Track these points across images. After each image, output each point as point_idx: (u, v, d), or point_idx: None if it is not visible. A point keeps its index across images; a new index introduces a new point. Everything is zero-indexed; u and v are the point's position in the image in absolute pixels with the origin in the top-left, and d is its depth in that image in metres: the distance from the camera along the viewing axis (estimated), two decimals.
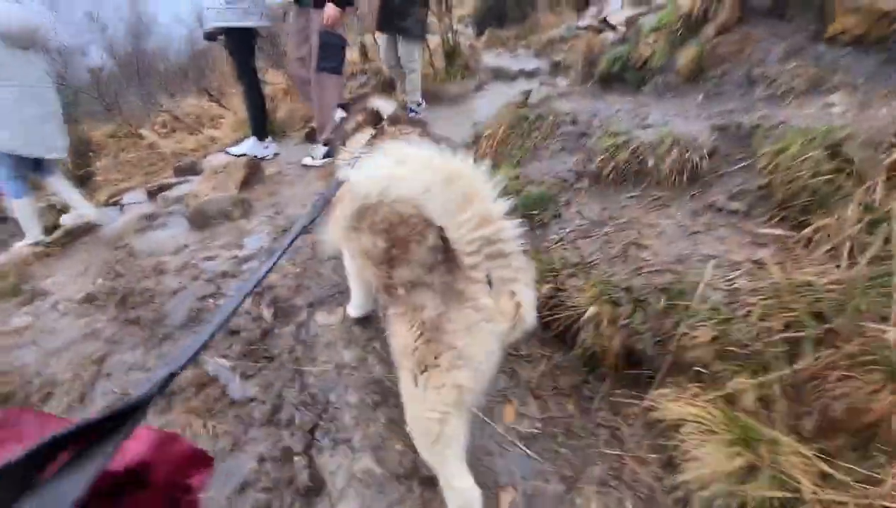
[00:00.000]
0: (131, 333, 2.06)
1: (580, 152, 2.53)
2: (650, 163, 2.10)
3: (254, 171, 3.74)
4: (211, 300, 2.22)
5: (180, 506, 0.52)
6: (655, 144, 2.14)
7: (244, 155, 4.02)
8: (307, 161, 3.99)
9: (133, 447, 0.50)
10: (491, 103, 5.46)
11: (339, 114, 3.60)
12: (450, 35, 6.39)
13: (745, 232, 1.77)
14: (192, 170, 4.38)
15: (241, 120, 4.81)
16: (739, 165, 1.98)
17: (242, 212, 3.15)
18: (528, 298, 1.05)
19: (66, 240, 3.28)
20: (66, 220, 3.52)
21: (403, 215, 1.12)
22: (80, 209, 3.47)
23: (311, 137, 4.17)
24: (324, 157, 3.88)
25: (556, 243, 2.15)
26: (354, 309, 2.10)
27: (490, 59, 7.14)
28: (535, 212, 2.32)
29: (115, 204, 4.51)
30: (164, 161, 5.20)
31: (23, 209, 3.20)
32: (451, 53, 6.39)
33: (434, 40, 6.65)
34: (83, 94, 5.83)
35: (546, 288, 1.86)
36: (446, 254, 1.02)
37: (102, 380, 1.86)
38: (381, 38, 4.80)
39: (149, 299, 2.23)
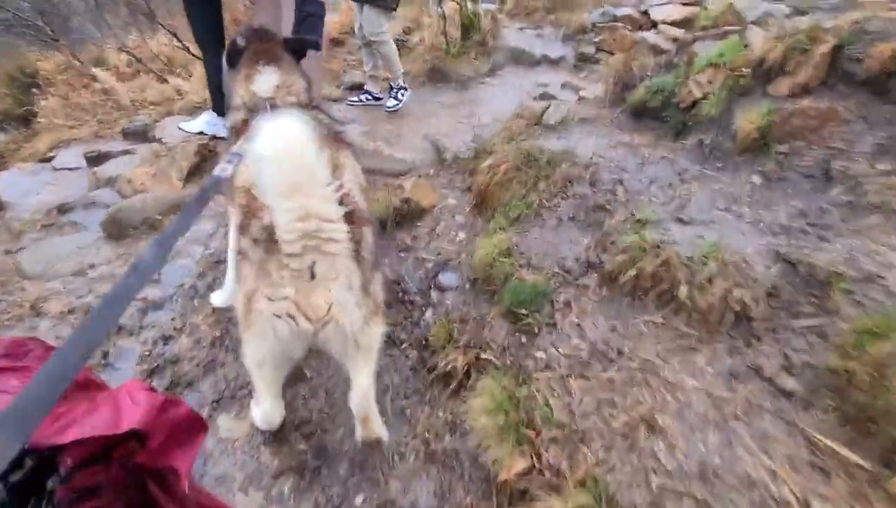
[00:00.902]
0: None
1: (594, 231, 1.98)
2: (683, 290, 1.57)
3: (206, 158, 3.13)
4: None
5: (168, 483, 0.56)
6: (695, 264, 1.60)
7: (201, 133, 3.37)
8: None
9: (132, 411, 0.54)
10: (503, 95, 4.78)
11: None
12: (467, 2, 5.56)
13: (803, 437, 1.28)
14: (142, 135, 3.73)
15: None
16: (805, 323, 1.45)
17: None
18: (343, 299, 1.08)
19: None
20: None
21: None
22: None
23: None
24: None
25: (541, 369, 1.65)
26: (257, 403, 1.57)
27: (512, 34, 6.29)
28: (523, 311, 1.80)
29: (49, 160, 3.88)
30: (121, 110, 4.47)
31: None
32: (469, 25, 5.59)
33: (450, 5, 5.81)
34: (20, 16, 4.93)
35: (521, 464, 1.37)
36: (272, 235, 1.03)
37: None
38: (355, 6, 3.73)
39: None
